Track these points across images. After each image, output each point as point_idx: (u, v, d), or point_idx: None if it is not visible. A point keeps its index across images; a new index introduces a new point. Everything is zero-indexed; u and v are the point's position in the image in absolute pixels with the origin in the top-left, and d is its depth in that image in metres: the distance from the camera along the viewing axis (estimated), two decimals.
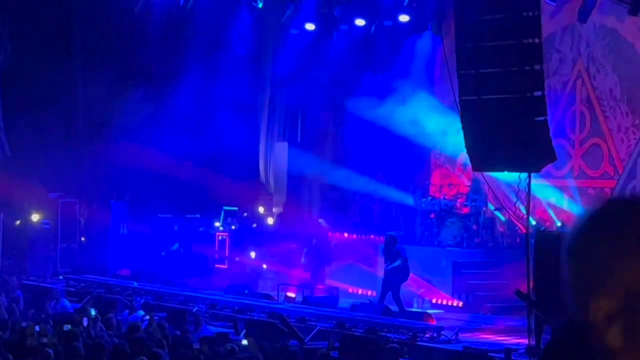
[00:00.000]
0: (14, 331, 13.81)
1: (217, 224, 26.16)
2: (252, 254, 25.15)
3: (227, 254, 25.26)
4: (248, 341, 13.25)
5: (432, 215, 22.93)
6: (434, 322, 18.01)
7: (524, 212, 16.30)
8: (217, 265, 25.31)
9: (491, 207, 22.65)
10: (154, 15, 25.06)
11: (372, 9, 24.42)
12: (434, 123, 24.21)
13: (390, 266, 20.21)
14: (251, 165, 27.82)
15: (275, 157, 28.21)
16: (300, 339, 16.18)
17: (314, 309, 19.25)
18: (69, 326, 13.63)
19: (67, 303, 19.04)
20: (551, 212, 22.65)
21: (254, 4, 24.28)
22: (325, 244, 24.23)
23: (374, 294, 22.13)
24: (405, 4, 23.45)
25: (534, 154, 15.56)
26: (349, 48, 25.47)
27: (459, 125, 16.49)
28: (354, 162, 26.90)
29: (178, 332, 14.25)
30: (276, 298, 21.33)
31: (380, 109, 25.06)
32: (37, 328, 13.53)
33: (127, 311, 18.51)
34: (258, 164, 28.10)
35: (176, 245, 24.86)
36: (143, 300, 19.60)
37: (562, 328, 2.18)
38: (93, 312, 15.50)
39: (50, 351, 11.73)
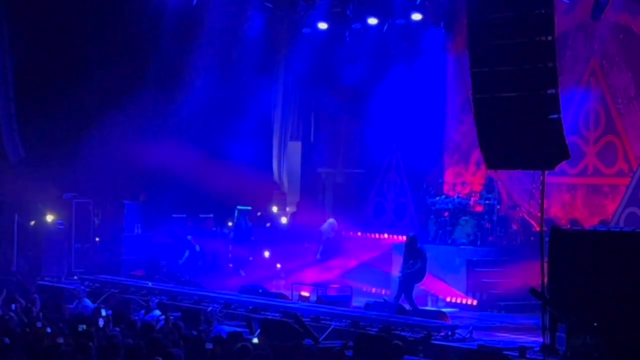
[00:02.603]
0: (30, 332, 13.84)
1: (230, 223, 26.20)
2: (266, 254, 25.18)
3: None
4: (259, 340, 13.27)
5: (446, 214, 22.92)
6: (449, 321, 18.00)
7: (538, 210, 16.26)
8: (230, 265, 25.34)
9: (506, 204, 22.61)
10: (166, 16, 25.10)
11: (384, 8, 24.39)
12: (448, 121, 24.19)
13: (411, 269, 20.18)
14: (264, 165, 27.83)
15: (288, 157, 28.22)
16: (314, 338, 16.18)
17: (328, 308, 19.27)
18: (84, 326, 13.66)
19: (89, 303, 19.09)
20: (565, 210, 22.60)
21: (266, 3, 24.29)
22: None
23: (388, 292, 22.14)
24: (417, 2, 23.42)
25: (547, 152, 15.52)
26: (362, 47, 25.44)
27: (473, 123, 16.46)
28: (366, 161, 26.89)
29: (194, 332, 14.27)
30: (290, 297, 21.35)
31: (393, 108, 25.05)
32: (48, 330, 13.56)
33: (143, 311, 18.54)
34: (271, 164, 28.11)
35: (186, 254, 24.88)
36: (157, 300, 19.63)
37: None
38: (103, 312, 15.51)
39: (67, 350, 11.78)
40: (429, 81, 24.67)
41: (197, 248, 25.00)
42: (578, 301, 14.56)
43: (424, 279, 20.59)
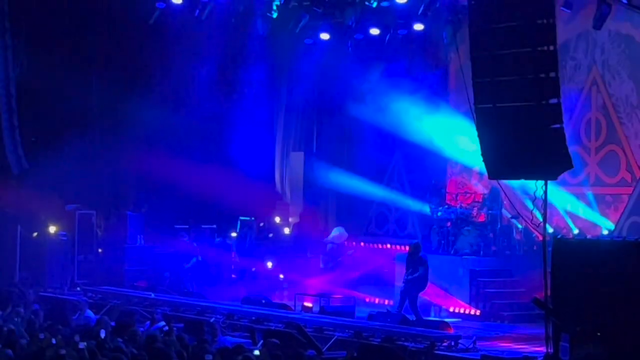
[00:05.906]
0: (32, 343, 13.82)
1: (233, 234, 26.20)
2: (269, 264, 25.17)
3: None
4: (260, 352, 13.24)
5: (449, 224, 22.90)
6: (452, 331, 17.98)
7: (541, 219, 16.27)
8: (233, 276, 25.33)
9: (507, 214, 22.59)
10: (169, 27, 25.13)
11: (386, 19, 24.41)
12: (450, 131, 24.18)
13: (412, 275, 20.14)
14: (267, 175, 27.84)
15: (291, 167, 28.23)
16: (317, 349, 16.16)
17: (331, 318, 19.25)
18: (89, 337, 13.65)
19: (91, 314, 19.08)
20: (568, 220, 22.59)
21: (268, 14, 24.30)
22: None
23: (391, 302, 22.12)
24: (419, 12, 23.44)
25: (550, 162, 15.54)
26: (364, 57, 25.47)
27: (475, 133, 16.47)
28: (370, 171, 26.88)
29: (195, 343, 14.24)
30: (293, 308, 21.34)
31: (396, 118, 25.05)
32: (53, 341, 13.54)
33: (148, 322, 18.52)
34: (274, 174, 28.12)
35: (194, 260, 24.88)
36: (161, 311, 19.62)
37: None
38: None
39: None
40: (431, 91, 24.66)
41: (199, 258, 25.00)
42: (581, 311, 14.55)
43: (427, 287, 20.56)
